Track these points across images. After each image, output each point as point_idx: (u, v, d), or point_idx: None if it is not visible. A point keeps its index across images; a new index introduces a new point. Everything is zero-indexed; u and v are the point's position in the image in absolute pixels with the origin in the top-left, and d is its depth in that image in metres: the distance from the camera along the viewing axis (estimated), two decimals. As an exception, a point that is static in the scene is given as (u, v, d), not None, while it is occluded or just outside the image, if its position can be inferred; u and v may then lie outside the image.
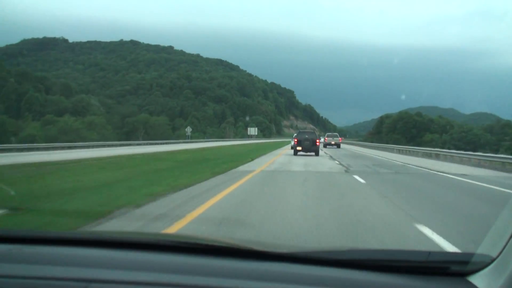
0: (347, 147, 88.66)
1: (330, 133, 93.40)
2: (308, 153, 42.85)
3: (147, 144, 79.49)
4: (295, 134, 46.74)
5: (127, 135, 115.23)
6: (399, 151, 65.08)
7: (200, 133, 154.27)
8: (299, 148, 42.03)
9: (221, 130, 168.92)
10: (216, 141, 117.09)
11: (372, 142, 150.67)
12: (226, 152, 49.91)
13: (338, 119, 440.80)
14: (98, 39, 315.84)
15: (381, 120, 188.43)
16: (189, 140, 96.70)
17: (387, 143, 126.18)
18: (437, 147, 78.98)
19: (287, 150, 61.00)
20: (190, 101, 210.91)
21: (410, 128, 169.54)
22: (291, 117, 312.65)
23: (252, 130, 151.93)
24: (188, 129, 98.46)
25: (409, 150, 62.12)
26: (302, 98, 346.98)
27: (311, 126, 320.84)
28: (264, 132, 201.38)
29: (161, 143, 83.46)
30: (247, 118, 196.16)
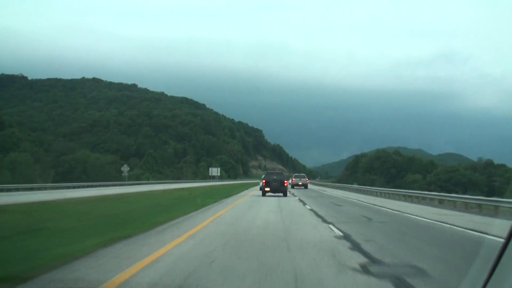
0: (317, 188, 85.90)
1: (297, 174, 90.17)
2: (276, 194, 41.13)
3: (55, 188, 58.33)
4: (264, 175, 45.26)
5: (63, 176, 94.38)
6: (377, 194, 55.60)
7: (156, 174, 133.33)
8: (267, 189, 40.92)
9: (177, 170, 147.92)
10: (166, 183, 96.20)
11: (347, 183, 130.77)
12: (151, 203, 29.93)
13: (307, 160, 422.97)
14: (59, 77, 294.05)
15: (357, 159, 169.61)
16: (126, 183, 75.63)
17: (364, 184, 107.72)
18: (420, 189, 76.93)
19: (247, 196, 47.78)
20: (149, 139, 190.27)
21: (388, 168, 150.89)
22: (259, 157, 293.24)
23: (214, 170, 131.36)
24: (125, 168, 77.78)
25: (388, 193, 51.26)
26: (271, 137, 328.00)
27: (280, 166, 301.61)
28: (229, 173, 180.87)
29: (82, 186, 62.29)
30: (211, 158, 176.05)
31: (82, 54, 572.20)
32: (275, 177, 42.98)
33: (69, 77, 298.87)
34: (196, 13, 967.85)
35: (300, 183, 75.48)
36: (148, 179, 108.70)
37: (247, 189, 67.89)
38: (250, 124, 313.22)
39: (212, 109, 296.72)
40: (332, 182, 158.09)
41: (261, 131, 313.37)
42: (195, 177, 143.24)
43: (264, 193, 41.56)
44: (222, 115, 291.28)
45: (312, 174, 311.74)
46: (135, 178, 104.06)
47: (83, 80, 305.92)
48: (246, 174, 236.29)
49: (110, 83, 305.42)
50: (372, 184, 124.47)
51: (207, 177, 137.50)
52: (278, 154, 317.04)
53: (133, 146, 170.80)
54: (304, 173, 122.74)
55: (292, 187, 72.71)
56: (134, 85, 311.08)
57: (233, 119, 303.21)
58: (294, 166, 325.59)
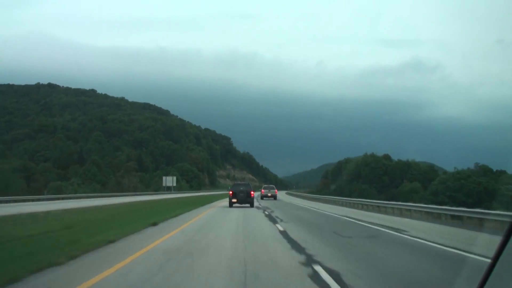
0: (288, 200, 72.06)
1: (266, 185, 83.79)
2: (243, 205, 39.71)
3: None
4: (230, 187, 43.65)
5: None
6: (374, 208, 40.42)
7: (96, 184, 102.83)
8: (234, 200, 39.77)
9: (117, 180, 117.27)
10: (95, 197, 66.18)
11: (327, 194, 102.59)
12: None
13: (278, 169, 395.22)
14: (12, 82, 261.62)
15: (339, 166, 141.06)
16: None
17: (350, 196, 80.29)
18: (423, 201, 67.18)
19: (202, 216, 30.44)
20: (100, 145, 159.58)
21: (379, 175, 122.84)
22: (228, 166, 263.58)
23: (169, 180, 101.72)
24: None
25: (383, 206, 38.56)
26: (240, 146, 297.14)
27: (250, 176, 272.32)
28: (192, 183, 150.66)
29: None
30: (171, 166, 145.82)
31: (40, 61, 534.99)
32: (241, 188, 41.10)
33: (23, 83, 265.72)
34: (165, 23, 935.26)
35: (270, 194, 71.15)
36: (76, 192, 78.32)
37: (209, 203, 51.26)
38: (218, 131, 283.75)
39: (176, 116, 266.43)
40: (308, 192, 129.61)
41: (230, 138, 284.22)
42: (146, 188, 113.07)
43: (231, 204, 40.05)
44: (188, 122, 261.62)
45: (284, 184, 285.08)
46: (55, 191, 74.04)
47: (38, 86, 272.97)
48: (213, 184, 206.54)
49: (67, 89, 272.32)
50: (362, 195, 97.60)
51: (161, 188, 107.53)
52: (248, 163, 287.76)
53: (76, 153, 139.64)
54: (275, 183, 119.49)
55: (262, 198, 69.60)
56: (93, 91, 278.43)
57: (199, 126, 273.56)
58: (265, 176, 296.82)
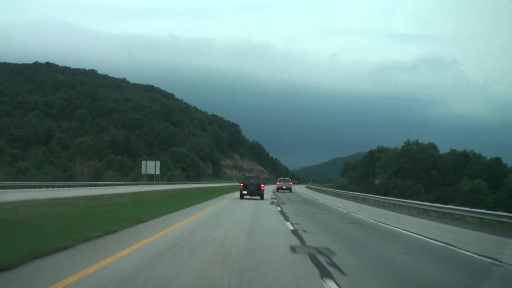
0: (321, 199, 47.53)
1: (282, 178, 78.25)
2: (254, 197, 37.88)
3: None
4: (242, 180, 42.08)
5: None
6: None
7: (57, 170, 73.17)
8: (244, 192, 38.20)
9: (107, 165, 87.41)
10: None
11: (355, 190, 72.05)
12: None
13: (288, 161, 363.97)
14: (9, 61, 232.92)
15: (370, 156, 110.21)
16: None
17: (386, 194, 50.59)
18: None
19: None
20: (84, 124, 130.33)
21: (427, 169, 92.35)
22: (235, 156, 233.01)
23: (150, 166, 71.72)
24: None
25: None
26: (249, 136, 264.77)
27: (259, 167, 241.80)
28: (189, 172, 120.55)
29: None
30: (166, 152, 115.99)
31: (33, 37, 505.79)
32: (252, 181, 39.83)
33: (20, 62, 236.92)
34: (178, 12, 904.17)
35: (284, 187, 66.47)
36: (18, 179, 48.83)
37: (197, 204, 28.97)
38: (225, 118, 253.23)
39: (181, 100, 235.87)
40: (330, 187, 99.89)
41: (238, 126, 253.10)
42: (123, 176, 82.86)
43: (242, 196, 38.30)
44: (194, 107, 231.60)
45: (295, 177, 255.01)
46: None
47: (35, 65, 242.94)
48: (218, 174, 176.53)
49: (65, 68, 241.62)
50: (404, 194, 69.14)
51: (141, 177, 77.60)
52: (257, 153, 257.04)
53: (45, 131, 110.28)
54: (286, 175, 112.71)
55: (277, 190, 64.77)
56: (93, 71, 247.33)
57: (206, 112, 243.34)
58: (275, 168, 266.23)
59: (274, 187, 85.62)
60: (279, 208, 26.21)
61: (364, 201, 41.78)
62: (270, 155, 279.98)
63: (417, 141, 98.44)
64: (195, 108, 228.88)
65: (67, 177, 66.46)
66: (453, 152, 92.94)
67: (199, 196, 36.94)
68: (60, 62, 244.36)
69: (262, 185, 39.09)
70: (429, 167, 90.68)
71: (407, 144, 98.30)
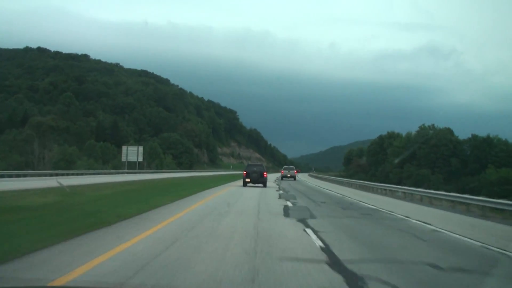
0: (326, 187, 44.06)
1: (286, 166, 76.38)
2: (256, 185, 36.98)
3: None
4: (245, 168, 41.71)
5: None
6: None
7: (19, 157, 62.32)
8: (247, 179, 37.31)
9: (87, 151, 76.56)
10: None
11: (362, 179, 60.08)
12: None
13: (286, 150, 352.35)
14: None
15: (379, 143, 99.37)
16: None
17: (399, 184, 44.26)
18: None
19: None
20: (68, 108, 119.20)
21: (446, 157, 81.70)
22: (233, 143, 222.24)
23: (132, 152, 61.01)
24: None
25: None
26: (247, 123, 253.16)
27: (257, 155, 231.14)
28: (181, 159, 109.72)
29: None
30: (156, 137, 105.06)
31: (25, 22, 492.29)
32: (255, 169, 39.27)
33: (11, 47, 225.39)
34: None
35: (289, 175, 65.27)
36: None
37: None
38: (222, 104, 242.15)
39: (177, 86, 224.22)
40: (336, 176, 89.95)
41: (235, 112, 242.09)
42: (104, 164, 71.76)
43: (245, 184, 37.18)
44: (190, 92, 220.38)
45: (294, 165, 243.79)
46: None
47: (26, 50, 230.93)
48: (214, 162, 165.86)
49: (57, 53, 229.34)
50: (419, 184, 59.60)
51: (121, 165, 66.78)
52: (255, 140, 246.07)
53: (19, 114, 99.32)
54: (285, 164, 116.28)
55: (282, 178, 63.89)
56: (85, 56, 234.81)
57: (202, 98, 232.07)
58: (273, 156, 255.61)
59: (275, 175, 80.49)
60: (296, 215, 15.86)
61: (392, 193, 31.43)
62: (269, 143, 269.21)
63: (433, 125, 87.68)
64: (191, 94, 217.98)
65: (22, 164, 55.77)
66: (474, 138, 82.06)
67: (176, 190, 26.24)
68: (53, 48, 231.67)
69: (265, 173, 38.31)
70: (448, 155, 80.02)
71: (422, 128, 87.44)
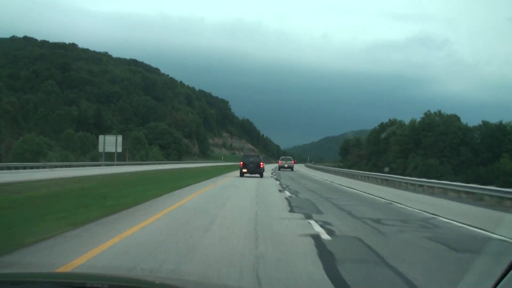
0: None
1: (284, 157, 73.28)
2: (253, 175, 36.41)
3: None
4: (242, 158, 40.89)
5: None
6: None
7: None
8: (244, 170, 36.65)
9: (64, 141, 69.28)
10: None
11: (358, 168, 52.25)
12: None
13: (279, 140, 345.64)
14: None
15: (380, 131, 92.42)
16: None
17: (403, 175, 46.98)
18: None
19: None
20: (50, 96, 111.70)
21: (454, 145, 75.01)
22: (224, 134, 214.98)
23: (110, 143, 53.73)
24: None
25: None
26: (239, 113, 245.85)
27: (250, 145, 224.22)
28: (169, 150, 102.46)
29: None
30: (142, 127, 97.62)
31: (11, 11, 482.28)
32: (252, 159, 38.47)
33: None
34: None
35: (286, 166, 64.95)
36: None
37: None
38: (214, 94, 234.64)
39: (167, 75, 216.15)
40: (334, 166, 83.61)
41: (227, 102, 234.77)
42: (83, 155, 64.37)
43: (242, 174, 36.50)
44: (180, 81, 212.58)
45: (287, 156, 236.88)
46: None
47: (12, 39, 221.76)
48: (205, 153, 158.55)
49: (44, 42, 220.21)
50: (425, 175, 53.13)
51: (98, 156, 59.52)
52: (247, 131, 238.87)
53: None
54: (277, 154, 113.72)
55: (279, 169, 63.93)
56: (73, 45, 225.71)
57: (193, 87, 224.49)
58: (266, 146, 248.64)
59: (269, 166, 77.41)
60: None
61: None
62: (261, 133, 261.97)
63: (439, 111, 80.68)
64: (182, 83, 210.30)
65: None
66: (485, 124, 75.26)
67: (133, 192, 19.15)
68: (41, 37, 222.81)
69: (262, 163, 37.95)
70: (457, 143, 73.22)
71: (427, 115, 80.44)
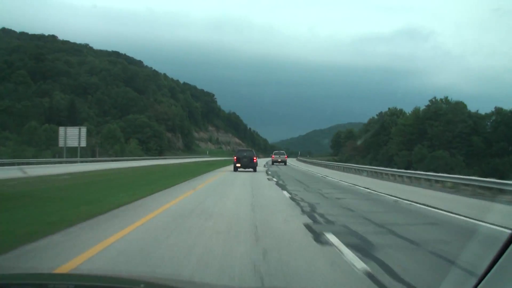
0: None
1: (277, 151, 74.61)
2: (247, 169, 36.23)
3: None
4: (235, 153, 41.13)
5: None
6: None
7: None
8: (238, 165, 36.76)
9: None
10: None
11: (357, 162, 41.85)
12: None
13: (265, 134, 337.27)
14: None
15: (380, 122, 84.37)
16: None
17: (408, 169, 43.13)
18: None
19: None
20: (19, 87, 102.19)
21: (465, 135, 67.00)
22: (210, 128, 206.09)
23: (72, 136, 44.84)
24: None
25: None
26: (225, 107, 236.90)
27: (237, 140, 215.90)
28: (149, 144, 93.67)
29: None
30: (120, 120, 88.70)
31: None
32: (245, 154, 38.46)
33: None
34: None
35: (280, 160, 64.26)
36: None
37: None
38: (199, 87, 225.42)
39: (151, 68, 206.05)
40: (330, 160, 75.59)
41: (213, 95, 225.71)
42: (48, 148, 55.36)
43: (235, 169, 36.67)
44: (164, 74, 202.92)
45: (275, 150, 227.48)
46: None
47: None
48: (189, 148, 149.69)
49: (23, 34, 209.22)
50: (432, 167, 44.43)
51: (57, 152, 50.68)
52: (233, 124, 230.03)
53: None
54: (265, 148, 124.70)
55: (272, 163, 62.94)
56: (53, 36, 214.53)
57: (177, 80, 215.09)
58: (253, 140, 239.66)
59: (261, 161, 70.16)
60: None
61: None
62: (248, 127, 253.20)
63: (446, 98, 72.50)
64: (165, 76, 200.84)
65: None
66: (499, 111, 67.33)
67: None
68: (20, 30, 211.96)
69: (255, 158, 37.65)
70: (468, 132, 65.29)
71: (433, 102, 72.29)
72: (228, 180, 24.21)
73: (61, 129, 47.16)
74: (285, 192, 16.68)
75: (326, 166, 55.63)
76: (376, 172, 34.14)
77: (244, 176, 28.44)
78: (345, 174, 37.58)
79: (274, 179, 25.34)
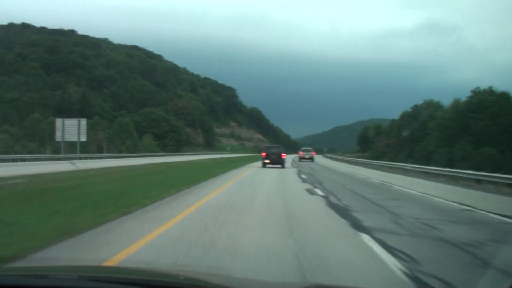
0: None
1: (304, 148, 74.06)
2: (275, 165, 36.79)
3: None
4: (264, 149, 41.80)
5: None
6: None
7: None
8: (267, 161, 37.66)
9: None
10: None
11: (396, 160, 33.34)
12: None
13: (288, 130, 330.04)
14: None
15: (415, 115, 77.09)
16: None
17: (450, 167, 33.80)
18: None
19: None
20: (30, 79, 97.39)
21: (505, 128, 59.49)
22: (232, 123, 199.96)
23: (70, 129, 38.70)
24: None
25: None
26: (247, 102, 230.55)
27: (259, 136, 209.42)
28: (166, 140, 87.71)
29: None
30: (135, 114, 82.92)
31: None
32: (273, 150, 39.57)
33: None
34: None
35: (307, 157, 64.16)
36: None
37: None
38: (220, 81, 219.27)
39: (171, 62, 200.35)
40: (358, 157, 69.65)
41: (234, 90, 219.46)
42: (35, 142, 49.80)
43: (264, 165, 37.36)
44: (184, 68, 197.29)
45: (298, 146, 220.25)
46: None
47: (10, 26, 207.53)
48: (210, 144, 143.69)
49: (42, 29, 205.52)
50: (480, 167, 36.06)
51: (56, 147, 44.86)
52: (256, 120, 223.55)
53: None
54: (288, 144, 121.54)
55: (300, 160, 62.70)
56: (72, 31, 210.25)
57: (198, 74, 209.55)
58: (276, 136, 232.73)
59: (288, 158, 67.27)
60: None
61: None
62: (271, 123, 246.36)
63: (491, 88, 64.92)
64: (185, 70, 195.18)
65: None
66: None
67: None
68: (40, 24, 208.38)
69: (283, 154, 38.05)
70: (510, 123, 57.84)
71: (476, 93, 64.80)
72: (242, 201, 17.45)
73: (58, 121, 41.16)
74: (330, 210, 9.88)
75: (360, 164, 48.93)
76: (426, 172, 27.39)
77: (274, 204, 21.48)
78: (390, 175, 30.87)
79: (319, 192, 16.08)
